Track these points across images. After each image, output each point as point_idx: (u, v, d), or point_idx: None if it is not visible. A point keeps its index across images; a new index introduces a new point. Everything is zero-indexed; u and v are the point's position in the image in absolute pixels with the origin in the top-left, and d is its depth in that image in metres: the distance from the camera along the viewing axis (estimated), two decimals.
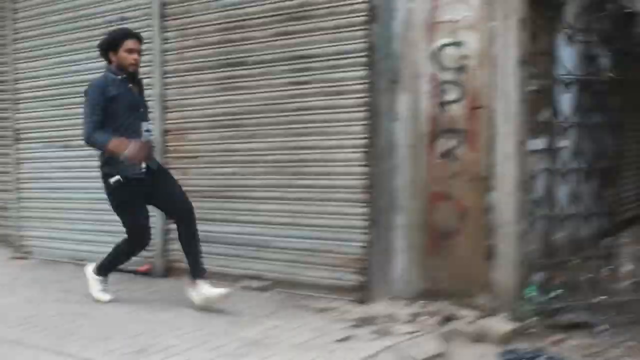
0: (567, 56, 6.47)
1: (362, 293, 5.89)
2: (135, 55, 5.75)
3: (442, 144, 5.73)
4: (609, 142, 7.07)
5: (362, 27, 5.81)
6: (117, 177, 5.68)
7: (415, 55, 5.76)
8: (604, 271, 6.66)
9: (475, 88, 5.58)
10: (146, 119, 5.90)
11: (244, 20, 6.42)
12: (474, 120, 5.61)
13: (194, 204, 6.01)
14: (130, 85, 5.82)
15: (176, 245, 6.72)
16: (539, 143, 6.21)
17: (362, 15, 5.80)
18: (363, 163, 5.86)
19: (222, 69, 6.54)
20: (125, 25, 6.45)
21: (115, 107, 5.68)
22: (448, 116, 5.68)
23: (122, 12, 7.13)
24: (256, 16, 6.34)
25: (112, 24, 7.08)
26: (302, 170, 6.17)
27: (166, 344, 4.91)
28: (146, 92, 6.12)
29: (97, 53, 5.96)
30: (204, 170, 6.72)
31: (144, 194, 5.81)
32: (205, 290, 5.75)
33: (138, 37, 5.82)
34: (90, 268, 6.22)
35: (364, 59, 5.81)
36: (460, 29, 5.62)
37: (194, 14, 6.70)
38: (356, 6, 5.82)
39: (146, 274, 6.91)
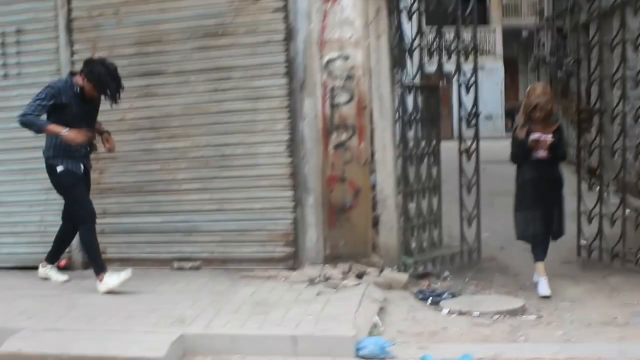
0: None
1: (292, 261, 7.21)
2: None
3: (336, 137, 7.20)
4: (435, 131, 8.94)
5: (281, 44, 7.12)
6: (63, 167, 6.56)
7: (314, 66, 7.17)
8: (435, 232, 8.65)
9: (361, 92, 7.16)
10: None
11: (160, 35, 7.33)
12: (361, 117, 7.18)
13: (115, 200, 7.33)
14: (82, 99, 6.61)
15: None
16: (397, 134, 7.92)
17: (281, 34, 7.12)
18: (287, 154, 7.17)
19: (138, 78, 7.35)
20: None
21: (64, 109, 6.49)
22: (340, 115, 7.17)
23: (22, 24, 7.53)
24: (174, 32, 7.30)
25: (7, 36, 7.50)
26: (228, 163, 7.29)
27: (188, 312, 5.85)
28: None
29: None
30: (124, 168, 7.47)
31: (83, 184, 6.73)
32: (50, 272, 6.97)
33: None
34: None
35: (284, 70, 7.11)
36: (347, 45, 7.15)
37: (105, 28, 7.40)
38: (274, 27, 7.12)
39: (65, 268, 7.42)
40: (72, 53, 7.47)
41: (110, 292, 6.53)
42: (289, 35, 7.10)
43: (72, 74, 6.67)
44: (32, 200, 7.61)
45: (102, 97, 6.65)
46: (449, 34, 8.14)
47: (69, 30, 7.46)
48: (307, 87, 7.15)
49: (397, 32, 7.78)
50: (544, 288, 7.02)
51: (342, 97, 7.14)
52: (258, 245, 7.27)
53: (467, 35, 8.29)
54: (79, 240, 7.46)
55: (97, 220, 7.29)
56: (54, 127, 6.47)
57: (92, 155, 7.09)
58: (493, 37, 31.61)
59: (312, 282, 6.78)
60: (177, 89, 7.33)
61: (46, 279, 7.08)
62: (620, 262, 7.96)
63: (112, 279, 6.60)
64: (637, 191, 8.78)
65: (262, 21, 7.14)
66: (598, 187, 8.35)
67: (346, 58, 7.13)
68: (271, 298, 6.28)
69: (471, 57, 8.27)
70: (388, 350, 5.27)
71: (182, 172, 7.39)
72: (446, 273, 7.82)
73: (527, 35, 31.31)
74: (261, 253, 7.27)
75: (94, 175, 7.36)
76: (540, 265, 7.22)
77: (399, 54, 7.76)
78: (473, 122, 8.68)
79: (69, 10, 7.43)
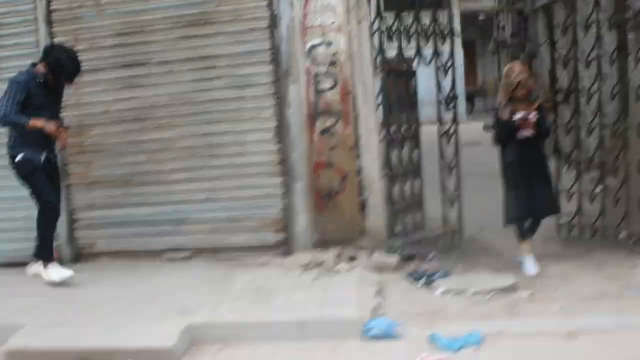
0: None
1: (284, 248, 7.22)
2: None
3: (322, 123, 7.22)
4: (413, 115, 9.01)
5: (265, 32, 7.10)
6: (21, 154, 6.61)
7: (297, 53, 7.17)
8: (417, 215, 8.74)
9: (345, 78, 7.18)
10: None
11: (143, 26, 7.25)
12: (345, 103, 7.21)
13: (102, 193, 7.29)
14: (46, 87, 6.67)
15: (83, 232, 7.43)
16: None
17: (265, 22, 7.10)
18: (275, 141, 7.17)
19: (121, 70, 7.30)
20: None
21: (29, 100, 6.54)
22: (324, 101, 7.19)
23: (1, 18, 7.39)
24: (156, 22, 7.23)
25: None
26: (216, 152, 7.25)
27: (188, 302, 5.84)
28: None
29: None
30: (110, 161, 7.39)
31: (42, 173, 6.71)
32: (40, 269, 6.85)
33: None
34: (30, 268, 6.89)
35: (269, 57, 7.10)
36: (330, 31, 7.15)
37: (86, 20, 7.30)
38: (258, 14, 7.09)
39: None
40: None
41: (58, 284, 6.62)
42: (273, 23, 7.08)
43: (33, 64, 6.68)
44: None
45: (64, 84, 6.78)
46: (408, 18, 8.13)
47: (49, 22, 7.33)
48: (291, 74, 7.15)
49: (376, 18, 7.83)
50: (531, 267, 7.13)
51: (326, 83, 7.15)
52: (249, 233, 7.25)
53: (426, 20, 8.28)
54: (66, 235, 7.44)
55: (85, 214, 7.32)
56: (35, 122, 6.51)
57: (74, 150, 7.10)
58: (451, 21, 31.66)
59: (306, 267, 6.81)
60: (161, 79, 7.26)
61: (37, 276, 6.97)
62: (601, 238, 8.14)
63: (55, 272, 6.69)
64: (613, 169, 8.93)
65: (246, 8, 7.10)
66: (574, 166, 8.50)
67: (329, 44, 7.14)
68: (270, 284, 6.30)
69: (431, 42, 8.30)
70: (395, 330, 5.34)
71: (169, 162, 7.33)
72: (432, 254, 7.88)
73: (484, 19, 31.55)
74: (253, 241, 7.25)
75: (79, 169, 7.36)
76: (526, 245, 7.32)
77: (379, 38, 7.82)
78: (451, 104, 8.81)
79: (48, 2, 7.30)
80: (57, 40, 7.25)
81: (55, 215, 6.78)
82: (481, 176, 9.87)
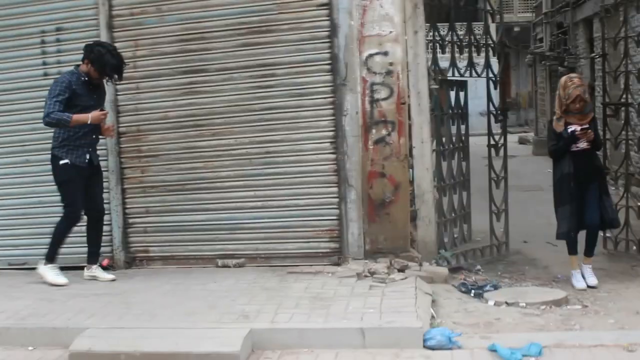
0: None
1: (337, 257, 7.27)
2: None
3: (376, 133, 7.26)
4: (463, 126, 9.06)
5: (325, 40, 7.17)
6: (66, 160, 6.76)
7: (354, 62, 7.21)
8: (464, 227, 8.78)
9: (401, 88, 7.21)
10: None
11: (203, 32, 7.34)
12: (401, 113, 7.24)
13: (157, 198, 7.39)
14: (91, 87, 6.88)
15: (137, 238, 7.52)
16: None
17: (325, 31, 7.16)
18: (331, 150, 7.22)
19: (181, 76, 7.40)
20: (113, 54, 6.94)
21: (74, 101, 6.72)
22: (379, 111, 7.22)
23: (62, 22, 7.54)
24: (217, 29, 7.32)
25: (47, 34, 7.50)
26: (272, 160, 7.32)
27: (247, 308, 5.90)
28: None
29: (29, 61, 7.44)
30: (167, 166, 7.48)
31: (83, 180, 6.88)
32: (96, 272, 7.09)
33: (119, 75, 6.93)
34: (40, 266, 7.03)
35: (328, 66, 7.16)
36: (387, 41, 7.20)
37: (147, 26, 7.41)
38: (318, 23, 7.16)
39: (107, 267, 7.42)
40: None
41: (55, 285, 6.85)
42: (333, 32, 7.14)
43: (77, 65, 6.89)
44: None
45: (106, 81, 6.99)
46: (443, 29, 8.22)
47: (110, 27, 7.46)
48: (348, 83, 7.19)
49: (431, 28, 7.89)
50: (581, 281, 7.13)
51: (381, 93, 7.19)
52: (302, 242, 7.31)
53: (461, 31, 8.43)
54: (120, 239, 7.54)
55: (139, 219, 7.52)
56: (78, 117, 6.72)
57: (131, 155, 7.23)
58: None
59: (359, 276, 6.84)
60: (220, 87, 7.35)
61: (94, 278, 7.10)
62: None
63: (51, 274, 6.91)
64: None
65: (306, 17, 7.17)
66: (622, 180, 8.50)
67: (385, 54, 7.19)
68: (326, 292, 6.34)
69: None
70: (454, 340, 5.36)
71: (225, 169, 7.41)
72: (478, 266, 7.94)
73: (520, 30, 31.54)
74: (306, 249, 7.31)
75: (135, 174, 7.51)
76: (574, 258, 7.30)
77: (433, 49, 7.88)
78: (501, 117, 8.86)
79: (110, 8, 7.43)
80: (117, 45, 7.35)
81: (77, 222, 6.98)
82: (518, 189, 9.84)
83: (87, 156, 6.90)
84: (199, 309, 5.97)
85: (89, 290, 6.73)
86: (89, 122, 6.72)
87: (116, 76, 6.90)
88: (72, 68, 6.98)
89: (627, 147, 8.48)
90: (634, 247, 8.33)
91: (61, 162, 6.83)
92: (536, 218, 10.42)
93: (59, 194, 7.00)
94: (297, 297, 6.20)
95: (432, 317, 5.94)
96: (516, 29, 32.13)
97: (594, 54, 13.28)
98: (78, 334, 5.47)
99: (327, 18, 7.14)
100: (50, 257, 6.99)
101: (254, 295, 6.33)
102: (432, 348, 5.31)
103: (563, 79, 7.41)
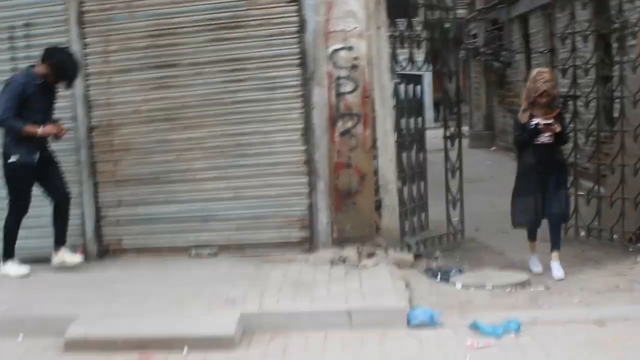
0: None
1: (308, 245, 7.50)
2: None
3: (342, 125, 7.51)
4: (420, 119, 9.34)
5: (294, 36, 7.38)
6: (16, 156, 6.84)
7: (321, 57, 7.45)
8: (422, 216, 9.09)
9: (365, 81, 7.48)
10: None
11: (174, 28, 7.46)
12: (365, 106, 7.50)
13: (130, 191, 7.46)
14: (44, 89, 6.94)
15: (110, 230, 7.62)
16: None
17: (294, 26, 7.38)
18: (301, 142, 7.46)
19: (152, 71, 7.50)
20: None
21: (26, 103, 6.79)
22: (345, 104, 7.48)
23: (31, 18, 7.54)
24: (187, 25, 7.45)
25: (16, 30, 7.52)
26: (243, 152, 7.50)
27: (232, 294, 6.08)
28: (68, 93, 7.35)
29: None
30: (139, 159, 7.58)
31: (33, 177, 6.99)
32: (64, 255, 7.14)
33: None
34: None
35: (297, 61, 7.38)
36: (351, 36, 7.45)
37: (117, 22, 7.48)
38: (287, 19, 7.37)
39: None
40: (84, 46, 7.52)
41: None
42: (302, 28, 7.36)
43: (32, 66, 6.94)
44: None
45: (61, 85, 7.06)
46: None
47: (80, 23, 7.50)
48: (316, 77, 7.43)
49: (391, 24, 8.16)
50: (538, 265, 7.48)
51: (347, 87, 7.44)
52: (274, 231, 7.52)
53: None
54: (93, 231, 7.61)
55: (112, 212, 7.57)
56: (30, 128, 6.80)
57: (103, 149, 7.35)
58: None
59: (332, 263, 7.10)
60: (191, 81, 7.48)
61: (62, 265, 7.15)
62: (595, 239, 8.57)
63: (13, 268, 7.00)
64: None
65: (275, 13, 7.36)
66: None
67: (350, 49, 7.43)
68: (305, 278, 6.58)
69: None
70: (437, 319, 5.65)
71: (197, 161, 7.55)
72: (437, 253, 8.26)
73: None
74: (277, 238, 7.52)
75: (108, 167, 7.59)
76: (533, 244, 7.62)
77: (393, 44, 8.16)
78: (456, 110, 9.22)
79: (80, 3, 7.47)
80: (87, 41, 7.45)
81: (24, 214, 7.06)
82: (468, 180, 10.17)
83: (37, 156, 6.94)
84: (185, 296, 6.13)
85: (69, 281, 6.83)
86: (38, 134, 6.81)
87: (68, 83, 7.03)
88: (26, 67, 7.03)
89: (576, 137, 8.88)
90: (582, 233, 8.76)
91: (11, 159, 6.87)
92: (484, 207, 10.82)
93: (6, 189, 7.06)
94: (278, 283, 6.42)
95: (411, 298, 6.23)
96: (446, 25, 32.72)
97: (544, 49, 13.77)
98: (69, 322, 5.56)
99: (295, 14, 7.36)
100: (8, 253, 7.05)
101: (234, 282, 6.52)
102: (416, 327, 5.61)
103: (534, 71, 7.57)
